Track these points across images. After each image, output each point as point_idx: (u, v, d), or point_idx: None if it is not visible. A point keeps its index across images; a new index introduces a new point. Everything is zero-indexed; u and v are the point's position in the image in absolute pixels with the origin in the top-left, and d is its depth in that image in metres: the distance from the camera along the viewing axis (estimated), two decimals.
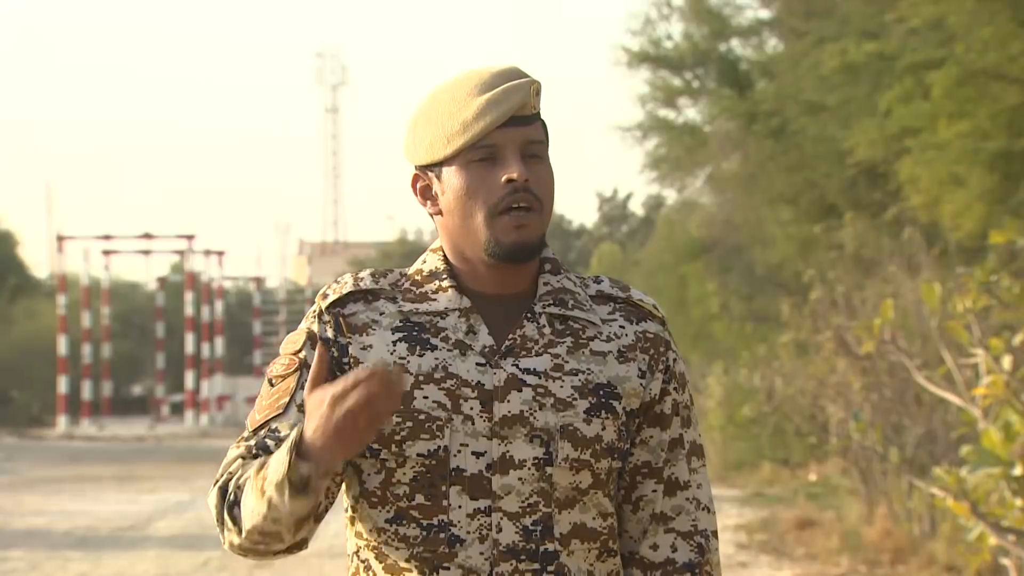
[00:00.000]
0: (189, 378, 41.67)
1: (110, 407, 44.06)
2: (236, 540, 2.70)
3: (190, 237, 42.03)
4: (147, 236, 42.00)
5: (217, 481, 2.74)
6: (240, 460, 2.74)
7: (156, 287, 46.66)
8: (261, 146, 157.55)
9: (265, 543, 2.68)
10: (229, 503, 2.69)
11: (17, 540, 15.22)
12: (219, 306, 45.21)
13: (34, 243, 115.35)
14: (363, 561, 2.77)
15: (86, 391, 41.47)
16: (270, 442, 2.73)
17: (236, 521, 2.68)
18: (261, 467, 2.65)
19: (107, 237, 41.98)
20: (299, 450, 2.57)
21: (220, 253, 44.77)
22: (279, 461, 2.60)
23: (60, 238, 41.77)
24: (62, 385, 39.75)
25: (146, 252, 43.76)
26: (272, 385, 2.79)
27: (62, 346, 40.12)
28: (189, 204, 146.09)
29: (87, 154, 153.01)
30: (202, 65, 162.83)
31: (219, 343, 44.32)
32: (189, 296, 41.72)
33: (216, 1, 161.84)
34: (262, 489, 2.62)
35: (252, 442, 2.74)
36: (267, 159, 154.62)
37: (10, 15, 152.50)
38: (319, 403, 2.55)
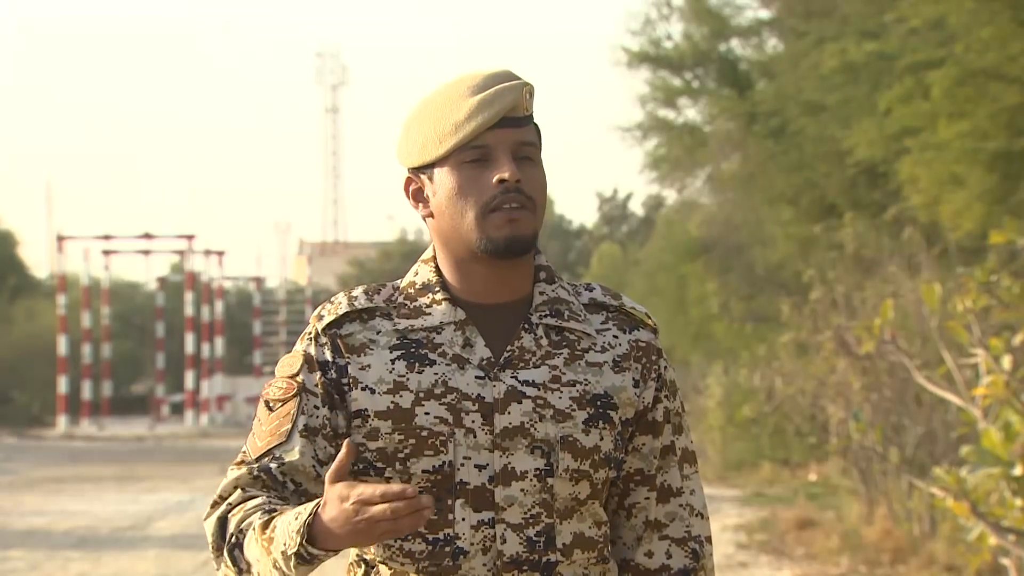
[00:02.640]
0: (189, 378, 41.69)
1: (110, 407, 44.07)
2: None
3: (190, 237, 42.05)
4: (147, 236, 42.03)
5: (216, 504, 2.73)
6: (240, 491, 2.72)
7: (156, 287, 46.71)
8: (261, 146, 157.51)
9: None
10: (230, 544, 2.68)
11: (17, 540, 15.22)
12: (219, 306, 45.24)
13: (34, 243, 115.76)
14: (371, 568, 2.77)
15: (86, 391, 41.49)
16: (273, 465, 2.72)
17: (236, 563, 2.68)
18: (266, 525, 2.63)
19: (107, 237, 42.00)
20: (310, 533, 2.55)
21: (220, 253, 44.82)
22: (289, 533, 2.58)
23: (60, 238, 41.79)
24: (62, 385, 39.75)
25: (146, 252, 43.80)
26: (271, 409, 2.77)
27: (62, 346, 40.12)
28: (189, 204, 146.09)
29: (87, 154, 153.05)
30: (202, 65, 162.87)
31: (219, 343, 44.35)
32: (189, 296, 41.74)
33: (217, 1, 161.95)
34: (268, 550, 2.61)
35: (254, 466, 2.73)
36: (267, 159, 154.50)
37: (9, 13, 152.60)
38: (342, 498, 2.51)
